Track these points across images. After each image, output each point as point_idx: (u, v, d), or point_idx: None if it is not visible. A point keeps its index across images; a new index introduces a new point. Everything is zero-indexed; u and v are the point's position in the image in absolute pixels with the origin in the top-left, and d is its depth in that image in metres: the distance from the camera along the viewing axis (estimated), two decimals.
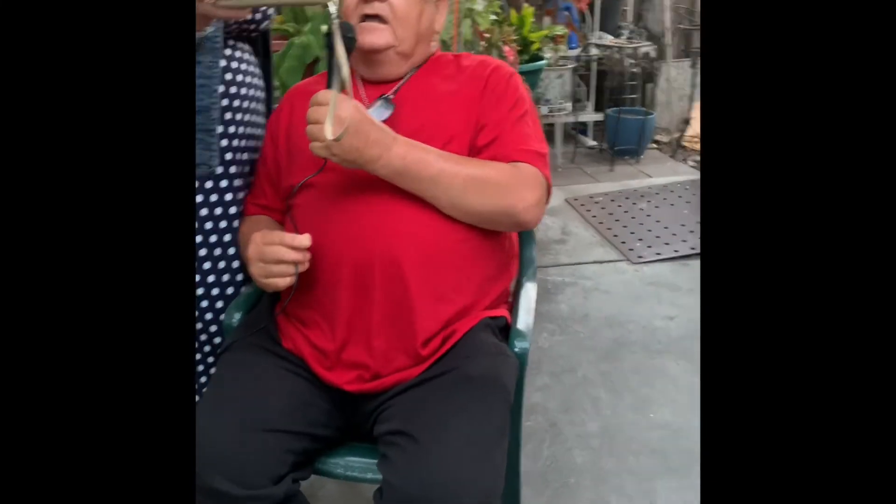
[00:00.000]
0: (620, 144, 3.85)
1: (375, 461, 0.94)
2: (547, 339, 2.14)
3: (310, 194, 1.03)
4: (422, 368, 0.98)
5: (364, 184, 0.99)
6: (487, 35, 2.38)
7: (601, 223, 3.06)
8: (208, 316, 1.16)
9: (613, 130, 3.84)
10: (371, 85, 1.10)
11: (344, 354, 1.00)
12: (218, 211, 1.13)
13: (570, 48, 3.98)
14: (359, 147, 0.92)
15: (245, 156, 1.17)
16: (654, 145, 4.20)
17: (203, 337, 1.18)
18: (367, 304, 0.98)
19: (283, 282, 0.95)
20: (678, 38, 4.30)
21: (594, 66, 3.97)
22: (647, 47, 3.78)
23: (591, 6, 3.99)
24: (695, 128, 4.14)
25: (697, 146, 4.10)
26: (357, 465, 1.02)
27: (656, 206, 3.21)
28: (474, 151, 1.05)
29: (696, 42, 4.16)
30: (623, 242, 2.85)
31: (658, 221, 3.04)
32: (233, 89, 1.11)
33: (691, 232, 2.91)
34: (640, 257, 2.72)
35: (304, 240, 0.94)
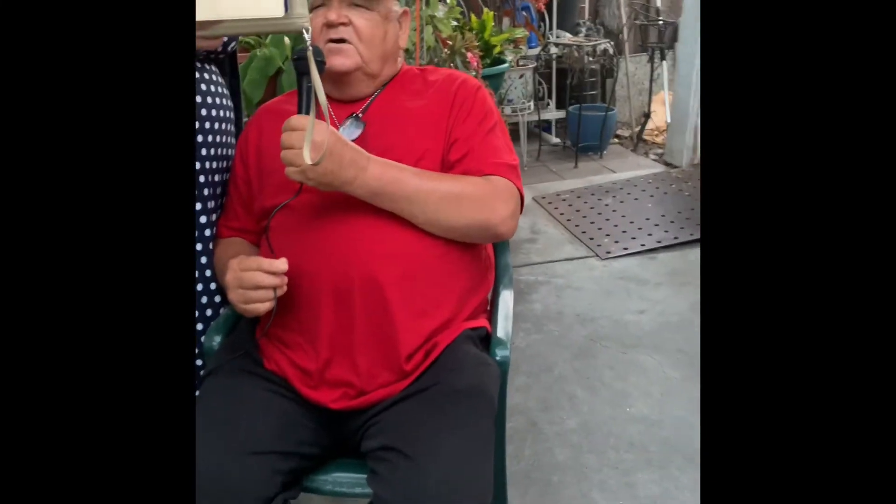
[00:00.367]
0: (583, 141, 3.91)
1: (363, 476, 0.95)
2: (523, 339, 2.17)
3: (286, 216, 1.03)
4: (406, 383, 0.99)
5: (340, 204, 1.00)
6: (450, 42, 2.40)
7: (569, 220, 3.11)
8: None
9: (576, 127, 3.89)
10: (339, 104, 1.11)
11: (328, 373, 1.01)
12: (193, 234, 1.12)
13: (530, 48, 4.02)
14: (334, 170, 0.93)
15: (217, 177, 1.17)
16: (616, 140, 4.28)
17: None
18: (349, 324, 0.99)
19: (263, 307, 0.96)
20: (634, 33, 4.38)
21: (554, 64, 4.03)
22: (604, 44, 3.84)
23: (548, 5, 4.03)
24: (655, 121, 4.23)
25: (658, 139, 4.19)
26: (345, 480, 1.03)
27: (621, 202, 3.27)
28: (446, 166, 1.07)
29: (652, 37, 4.23)
30: (591, 239, 2.91)
31: (623, 216, 3.10)
32: (203, 111, 1.11)
33: (656, 225, 2.98)
34: (608, 253, 2.77)
35: (282, 264, 0.94)
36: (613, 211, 3.17)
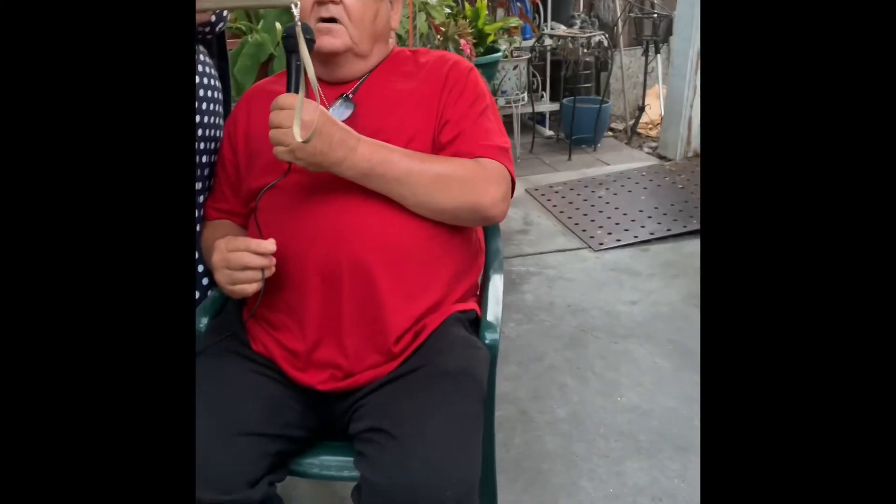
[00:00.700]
0: (577, 133, 3.90)
1: (351, 459, 0.94)
2: (514, 329, 2.17)
3: (274, 197, 1.02)
4: (394, 365, 0.99)
5: (329, 185, 0.99)
6: (443, 28, 2.39)
7: (562, 212, 3.11)
8: None
9: (570, 120, 3.88)
10: (329, 85, 1.10)
11: (315, 355, 1.00)
12: None
13: (525, 39, 4.01)
14: (323, 150, 0.92)
15: (205, 159, 1.15)
16: (610, 133, 4.27)
17: None
18: (337, 305, 0.98)
19: (251, 288, 0.95)
20: (629, 26, 4.37)
21: (549, 56, 4.01)
22: (599, 36, 3.83)
23: None
24: (649, 115, 4.22)
25: (652, 132, 4.19)
26: (332, 463, 1.02)
27: (614, 194, 3.27)
28: (437, 148, 1.06)
29: (647, 30, 4.23)
30: (584, 230, 2.90)
31: (617, 208, 3.10)
32: None
33: (649, 217, 2.97)
34: (600, 244, 2.77)
35: (270, 245, 0.93)
36: (607, 203, 3.17)
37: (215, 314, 1.12)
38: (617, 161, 3.77)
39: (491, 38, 3.07)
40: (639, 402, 1.80)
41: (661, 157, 3.78)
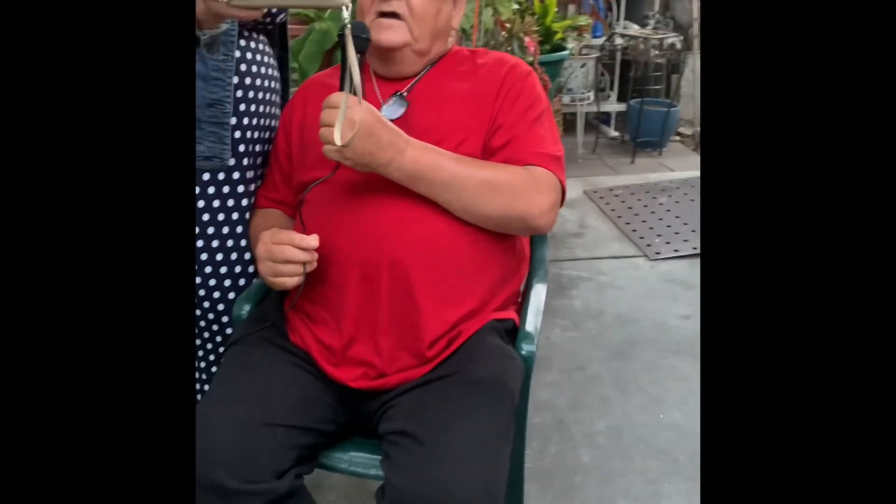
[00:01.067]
0: (643, 136, 3.81)
1: (379, 458, 0.94)
2: (559, 335, 2.13)
3: (322, 191, 1.02)
4: (427, 369, 0.98)
5: (376, 184, 0.98)
6: (508, 25, 2.35)
7: (619, 217, 3.04)
8: (220, 307, 1.17)
9: (636, 121, 3.79)
10: (385, 81, 1.10)
11: (350, 352, 1.00)
12: (230, 203, 1.13)
13: (595, 37, 3.92)
14: (371, 151, 0.91)
15: (259, 148, 1.17)
16: (678, 138, 4.14)
17: (215, 327, 1.19)
18: (374, 304, 0.98)
19: (291, 281, 0.95)
20: None
21: (619, 55, 3.92)
22: (673, 38, 3.71)
23: None
24: None
25: None
26: (361, 460, 1.02)
27: (676, 201, 3.17)
28: (488, 152, 1.04)
29: None
30: (641, 238, 2.83)
31: (677, 217, 3.01)
32: (247, 80, 1.11)
33: None
34: (657, 253, 2.69)
35: (313, 240, 0.94)
36: (667, 211, 3.08)
37: (258, 302, 1.14)
38: (682, 167, 3.66)
39: (558, 36, 3.01)
40: (682, 422, 1.74)
41: None
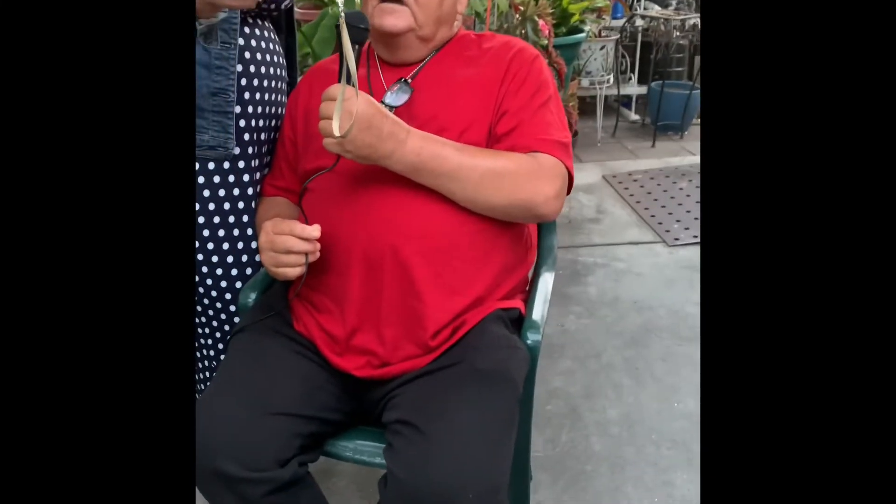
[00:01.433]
0: (664, 119, 3.74)
1: (384, 446, 0.94)
2: (573, 322, 2.12)
3: (325, 181, 1.01)
4: (430, 358, 0.97)
5: (379, 173, 0.97)
6: (522, 7, 2.31)
7: (638, 202, 2.99)
8: (227, 296, 1.17)
9: (657, 104, 3.72)
10: (390, 68, 1.08)
11: (354, 340, 1.00)
12: (236, 192, 1.13)
13: (615, 18, 3.85)
14: (371, 143, 0.90)
15: (264, 136, 1.16)
16: (700, 121, 4.07)
17: (223, 316, 1.20)
18: (377, 294, 0.97)
19: (293, 272, 0.95)
20: None
21: (639, 37, 3.84)
22: (695, 18, 3.62)
23: None
24: None
25: None
26: (366, 448, 1.02)
27: (697, 186, 3.12)
28: (493, 139, 1.02)
29: None
30: (660, 223, 2.79)
31: (698, 202, 2.95)
32: (252, 68, 1.10)
33: None
34: (676, 240, 2.65)
35: (314, 231, 0.93)
36: (688, 196, 3.03)
37: (264, 290, 1.14)
38: None
39: (576, 18, 2.96)
40: (696, 410, 1.72)
41: None
